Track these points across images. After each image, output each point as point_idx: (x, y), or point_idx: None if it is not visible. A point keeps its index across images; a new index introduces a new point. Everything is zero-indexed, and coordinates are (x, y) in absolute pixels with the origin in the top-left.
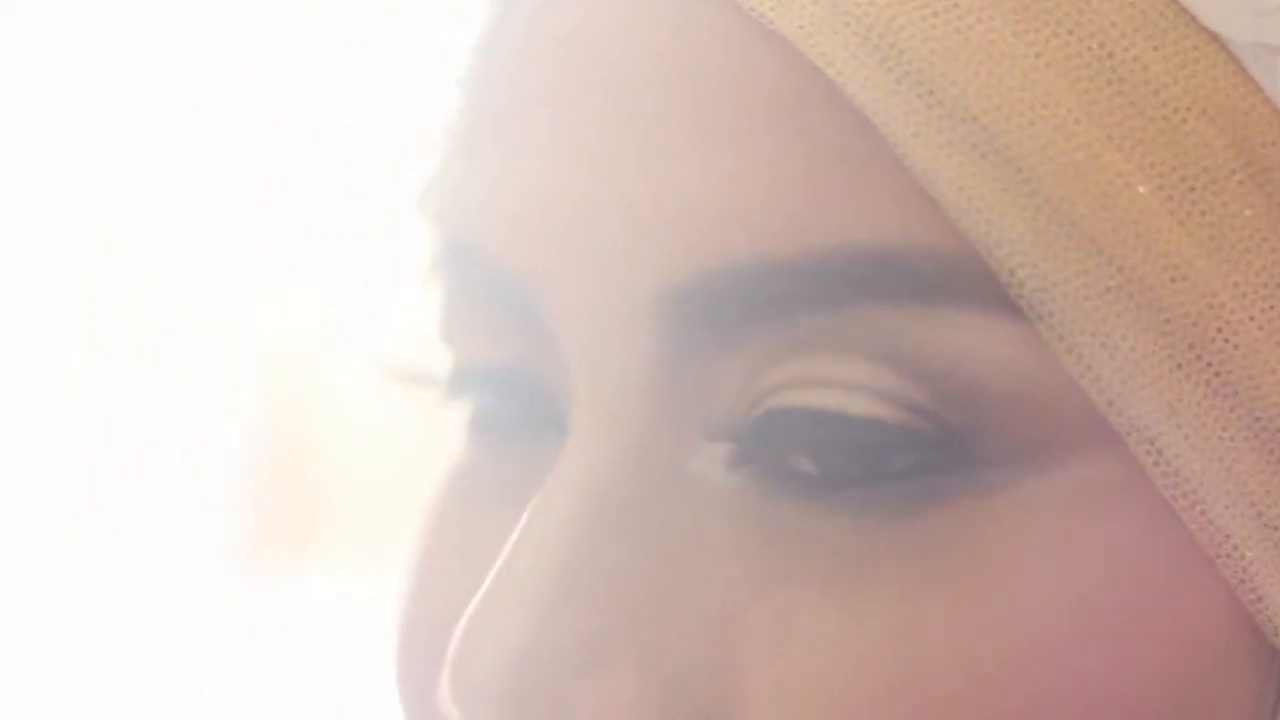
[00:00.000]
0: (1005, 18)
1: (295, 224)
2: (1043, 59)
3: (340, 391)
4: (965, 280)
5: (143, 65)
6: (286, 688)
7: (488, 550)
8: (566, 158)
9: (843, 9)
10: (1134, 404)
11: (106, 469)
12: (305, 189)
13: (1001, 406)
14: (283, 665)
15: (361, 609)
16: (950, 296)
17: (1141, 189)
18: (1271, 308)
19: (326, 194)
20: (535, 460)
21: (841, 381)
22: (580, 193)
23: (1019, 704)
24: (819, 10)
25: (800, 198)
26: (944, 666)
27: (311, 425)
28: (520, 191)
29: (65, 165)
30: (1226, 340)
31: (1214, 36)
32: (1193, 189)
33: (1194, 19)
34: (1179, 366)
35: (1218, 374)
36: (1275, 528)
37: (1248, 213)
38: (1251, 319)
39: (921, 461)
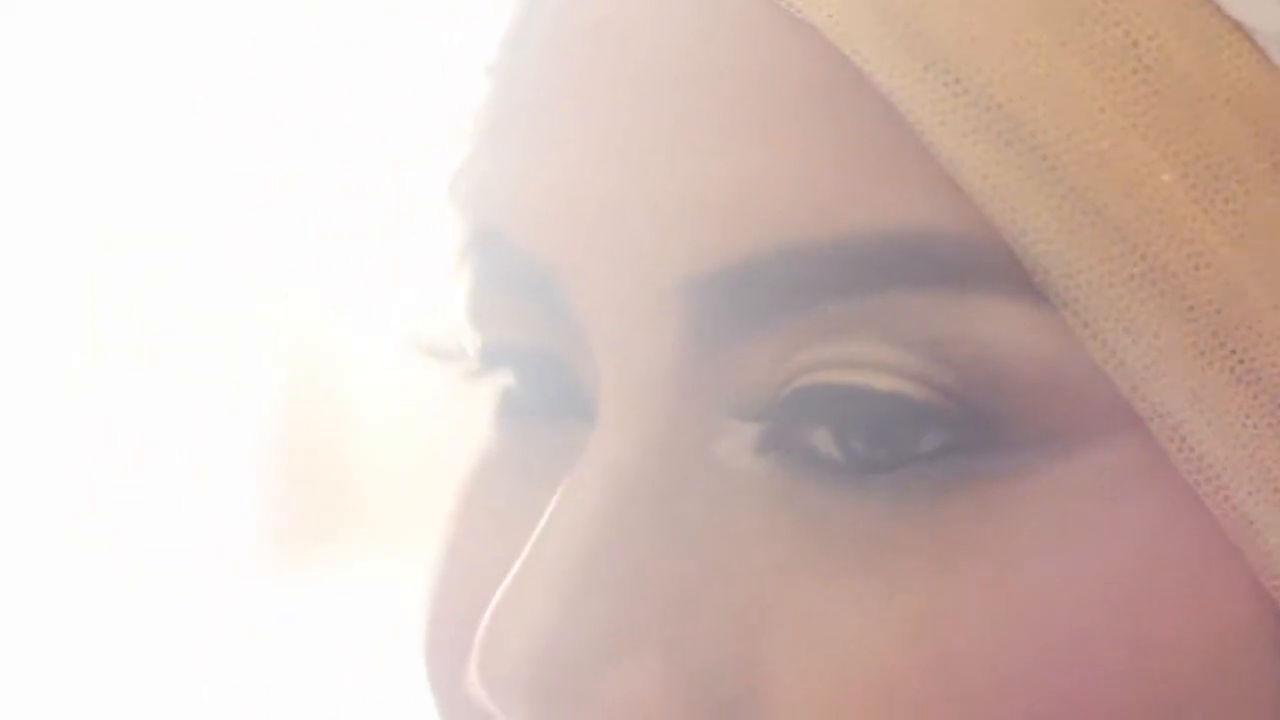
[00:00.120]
0: (1031, 6)
1: (318, 216)
2: (1068, 47)
3: (364, 384)
4: (991, 267)
5: (143, 65)
6: (312, 682)
7: (515, 537)
8: (594, 149)
9: None
10: (1158, 390)
11: (131, 465)
12: (327, 180)
13: (1027, 392)
14: (308, 660)
15: (386, 601)
16: (976, 283)
17: (1166, 177)
18: None
19: (349, 186)
20: (562, 446)
21: (868, 362)
22: (607, 183)
23: (1046, 687)
24: None
25: (827, 185)
26: (971, 651)
27: (335, 418)
28: (547, 183)
29: (75, 164)
30: (1250, 327)
31: (1238, 25)
32: (1217, 177)
33: (1218, 8)
34: (1202, 353)
35: (1241, 360)
36: None
37: (1271, 201)
38: (1275, 306)
39: (947, 444)
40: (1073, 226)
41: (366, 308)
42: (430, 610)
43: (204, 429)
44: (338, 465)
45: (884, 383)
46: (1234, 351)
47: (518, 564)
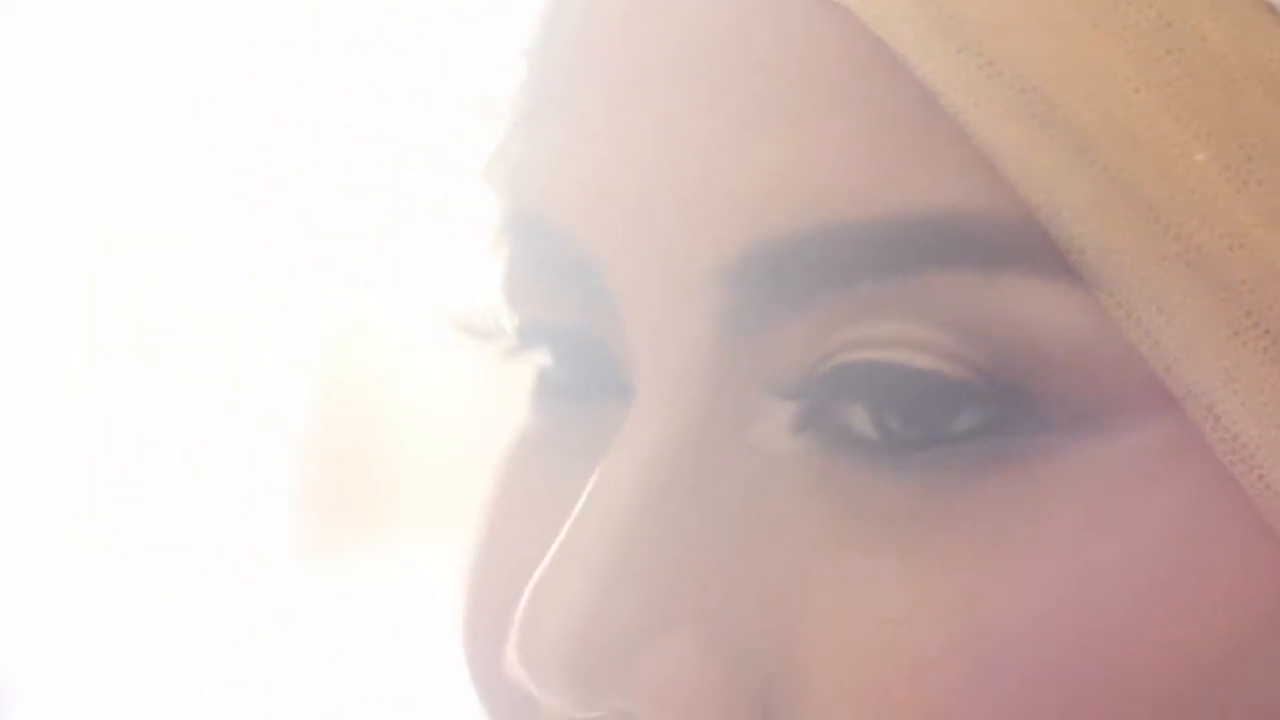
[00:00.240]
0: None
1: (352, 205)
2: (1102, 29)
3: (397, 372)
4: (1026, 247)
5: (144, 64)
6: (346, 671)
7: (554, 517)
8: (629, 132)
9: None
10: (1192, 370)
11: (166, 454)
12: (362, 166)
13: (1061, 372)
14: (341, 648)
15: (420, 589)
16: (1011, 263)
17: (1200, 157)
18: None
19: (382, 174)
20: (600, 426)
21: (904, 341)
22: (643, 167)
23: (1081, 665)
24: None
25: (862, 167)
26: (1007, 629)
27: (369, 406)
28: (584, 167)
29: (108, 154)
30: None
31: (1271, 7)
32: (1250, 158)
33: None
34: (1236, 333)
35: (1275, 340)
36: None
37: None
38: None
39: (983, 423)
40: (1107, 207)
41: (400, 296)
42: (468, 593)
43: (238, 418)
44: (371, 453)
45: (920, 360)
46: (1268, 331)
47: (555, 545)
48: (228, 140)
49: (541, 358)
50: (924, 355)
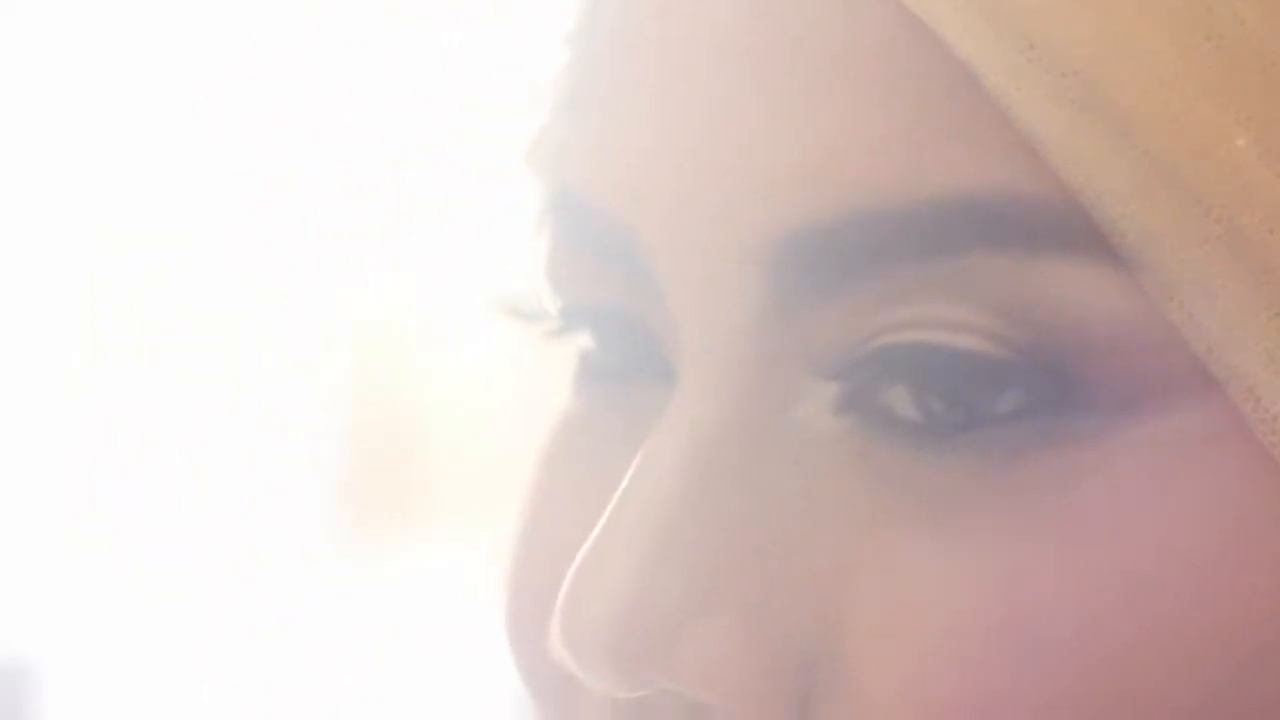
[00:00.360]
0: None
1: (388, 192)
2: (1142, 13)
3: (434, 366)
4: (1068, 230)
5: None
6: (382, 663)
7: (596, 499)
8: (672, 113)
9: None
10: (1234, 352)
11: (201, 446)
12: (399, 159)
13: (1103, 354)
14: (377, 641)
15: (455, 583)
16: (1053, 246)
17: (1240, 141)
18: None
19: (418, 164)
20: (642, 408)
21: (946, 322)
22: (686, 148)
23: (1121, 647)
24: None
25: (904, 149)
26: (1049, 610)
27: (405, 400)
28: (627, 148)
29: (139, 146)
30: None
31: None
32: None
33: None
34: (1277, 315)
35: None
36: None
37: None
38: None
39: (1025, 405)
40: (1148, 190)
41: (437, 288)
42: (510, 576)
43: (275, 410)
44: (407, 447)
45: (962, 342)
46: None
47: (599, 526)
48: (266, 125)
49: (583, 340)
50: (966, 337)
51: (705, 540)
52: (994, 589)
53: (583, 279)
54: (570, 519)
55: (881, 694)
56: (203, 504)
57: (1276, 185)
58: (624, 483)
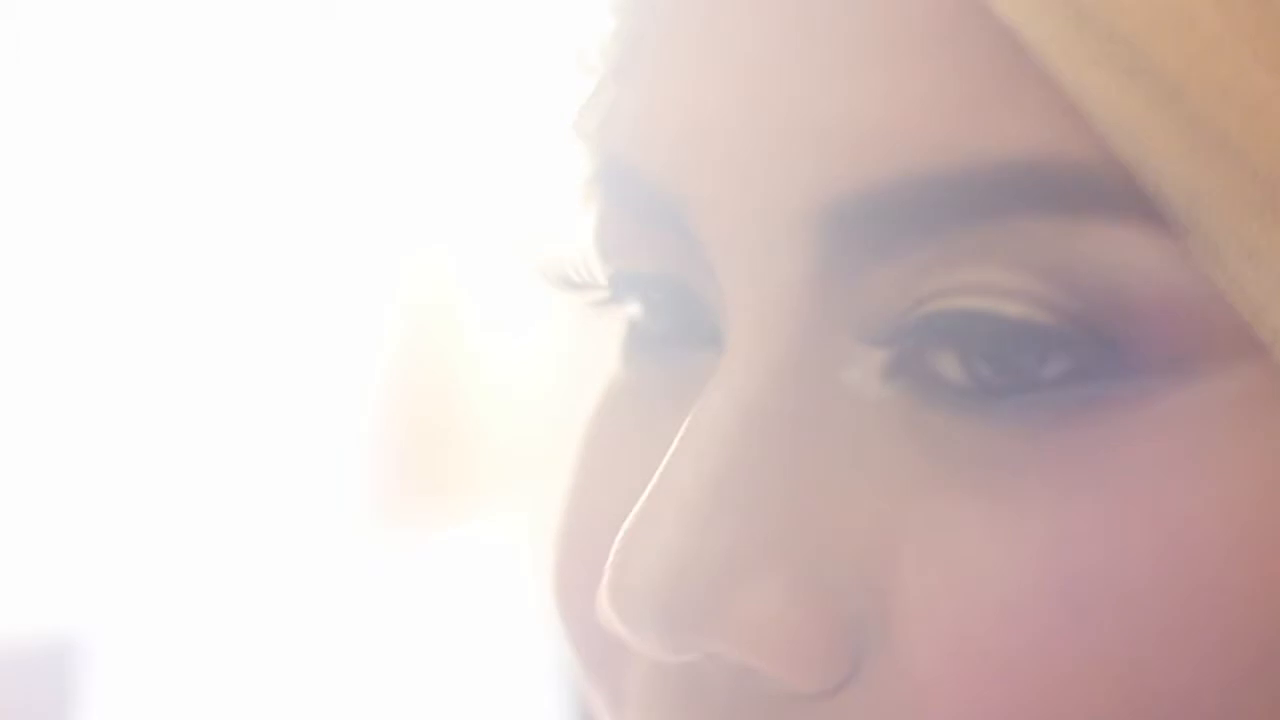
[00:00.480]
0: None
1: (435, 166)
2: None
3: (480, 341)
4: (1115, 194)
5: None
6: (422, 639)
7: (644, 464)
8: (722, 78)
9: None
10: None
11: (249, 424)
12: (440, 138)
13: (1150, 318)
14: (418, 616)
15: (497, 558)
16: (1100, 210)
17: None
18: None
19: (459, 141)
20: (691, 373)
21: (994, 288)
22: (736, 113)
23: (1167, 609)
24: None
25: (953, 113)
26: (1095, 572)
27: (450, 376)
28: (676, 114)
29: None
30: None
31: None
32: None
33: None
34: None
35: None
36: None
37: None
38: None
39: (1071, 369)
40: (1196, 153)
41: (479, 267)
42: (559, 541)
43: (317, 390)
44: (448, 426)
45: (1010, 308)
46: None
47: (647, 490)
48: (313, 100)
49: (632, 308)
50: (1013, 302)
51: (753, 503)
52: (1041, 551)
53: (631, 246)
54: (618, 485)
55: (930, 656)
56: (246, 481)
57: None
58: (671, 447)
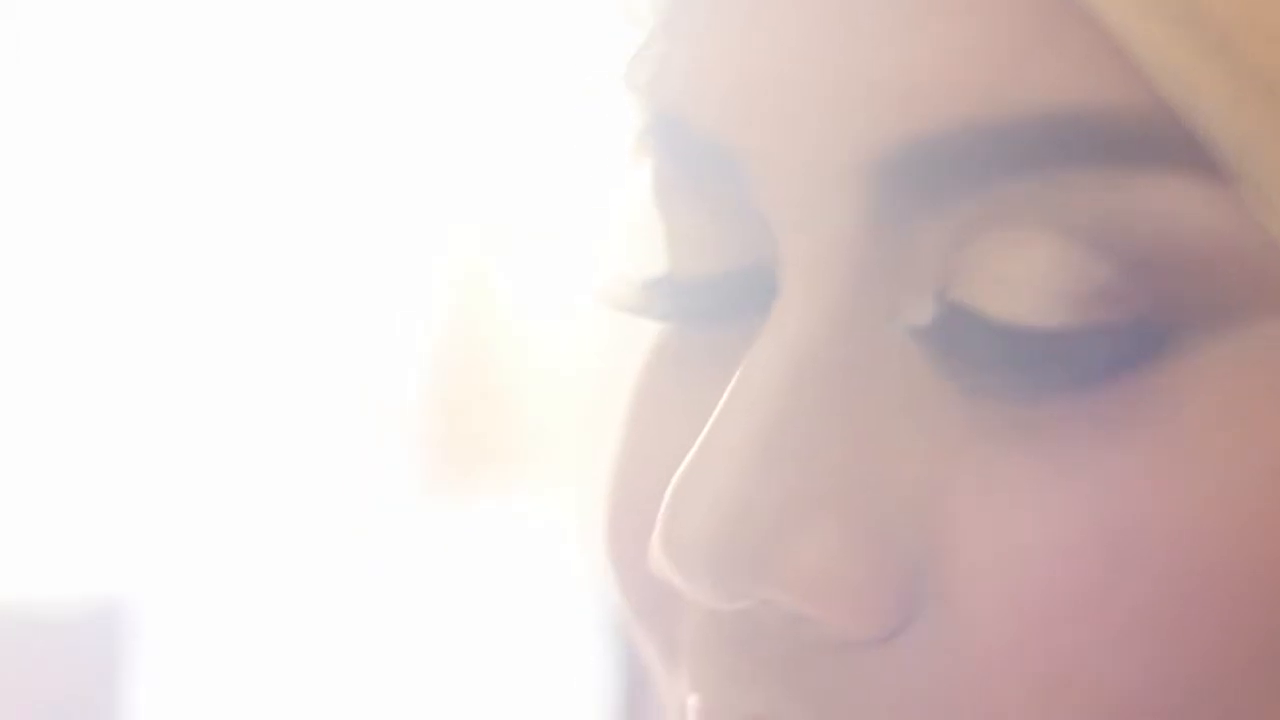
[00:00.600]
0: None
1: (477, 144)
2: None
3: (522, 314)
4: (1164, 143)
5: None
6: (470, 609)
7: (696, 416)
8: (773, 30)
9: None
10: None
11: (300, 393)
12: (485, 110)
13: (1199, 268)
14: (465, 586)
15: (543, 528)
16: (1149, 159)
17: None
18: None
19: (505, 112)
20: (742, 327)
21: (1043, 238)
22: (786, 64)
23: (1216, 556)
24: None
25: (1001, 63)
26: (1145, 522)
27: (499, 346)
28: (728, 66)
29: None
30: None
31: None
32: None
33: None
34: None
35: None
36: None
37: None
38: None
39: (1120, 320)
40: (1245, 100)
41: (528, 238)
42: (612, 490)
43: (367, 356)
44: (496, 396)
45: (1058, 259)
46: None
47: (700, 438)
48: (357, 74)
49: (686, 262)
50: (1062, 253)
51: (806, 452)
52: (1090, 502)
53: (685, 197)
54: (670, 436)
55: (981, 604)
56: (297, 449)
57: None
58: (724, 396)
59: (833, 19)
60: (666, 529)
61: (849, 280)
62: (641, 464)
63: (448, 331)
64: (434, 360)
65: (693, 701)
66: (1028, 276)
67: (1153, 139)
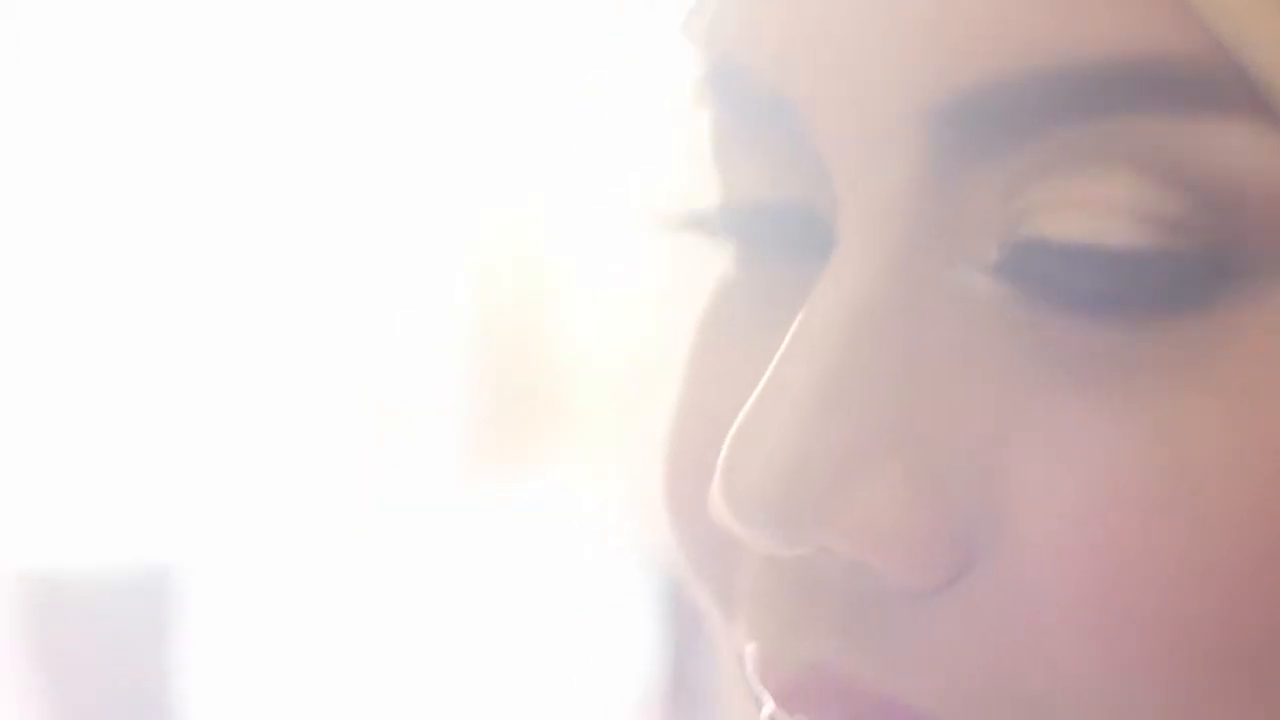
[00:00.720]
0: None
1: (523, 121)
2: None
3: (564, 291)
4: (1223, 89)
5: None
6: (511, 585)
7: (755, 363)
8: None
9: None
10: None
11: (344, 367)
12: (528, 90)
13: (1260, 215)
14: (508, 563)
15: (585, 504)
16: (1209, 105)
17: None
18: None
19: (549, 91)
20: (801, 276)
21: (1100, 201)
22: (843, 11)
23: (1277, 505)
24: None
25: (1059, 10)
26: (1208, 468)
27: (543, 321)
28: (785, 12)
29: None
30: None
31: None
32: None
33: None
34: None
35: None
36: None
37: None
38: None
39: (1181, 267)
40: None
41: (573, 213)
42: (670, 441)
43: (411, 334)
44: (540, 371)
45: (1114, 235)
46: None
47: (760, 386)
48: (398, 44)
49: (745, 211)
50: (1118, 223)
51: (866, 398)
52: (1153, 449)
53: (744, 148)
54: (729, 384)
55: (1041, 551)
56: (345, 424)
57: None
58: (783, 345)
59: None
60: (726, 477)
61: (907, 228)
62: (700, 413)
63: (492, 310)
64: (479, 339)
65: (751, 650)
66: (1104, 200)
67: (1212, 86)
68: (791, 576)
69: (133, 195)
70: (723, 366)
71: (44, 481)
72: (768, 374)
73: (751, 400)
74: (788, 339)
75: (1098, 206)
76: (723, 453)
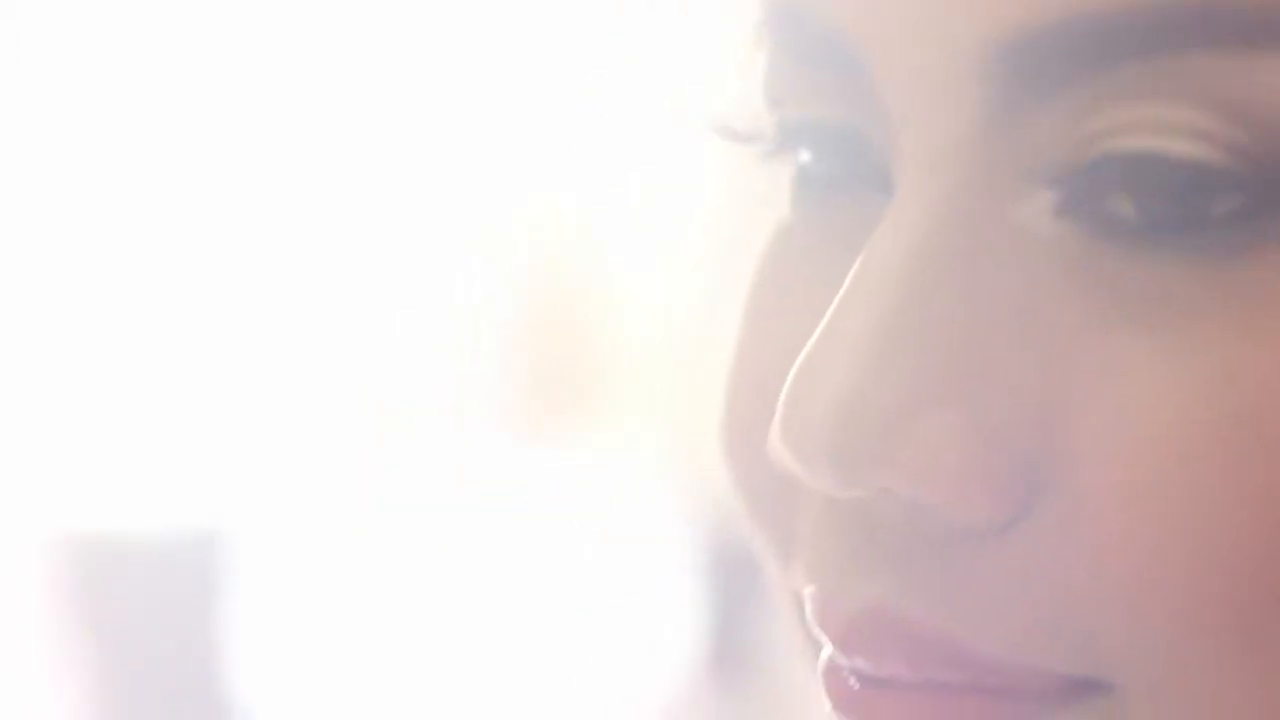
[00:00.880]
0: None
1: (570, 83)
2: None
3: (610, 256)
4: None
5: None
6: (554, 551)
7: (815, 304)
8: None
9: None
10: None
11: (390, 336)
12: (581, 59)
13: None
14: (551, 528)
15: (630, 471)
16: (1272, 43)
17: None
18: None
19: (599, 63)
20: (861, 216)
21: (1165, 124)
22: None
23: None
24: None
25: None
26: (1268, 408)
27: (590, 287)
28: None
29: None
30: None
31: None
32: None
33: None
34: None
35: None
36: None
37: None
38: None
39: (1244, 206)
40: None
41: (620, 180)
42: (730, 382)
43: (455, 301)
44: (584, 336)
45: (1181, 146)
46: None
47: (819, 329)
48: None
49: (801, 155)
50: (1184, 138)
51: (926, 339)
52: (1213, 388)
53: (802, 89)
54: (789, 325)
55: (1101, 492)
56: (389, 390)
57: None
58: (842, 288)
59: None
60: (786, 418)
61: (968, 170)
62: (759, 357)
63: (539, 273)
64: (526, 302)
65: (810, 591)
66: (1148, 161)
67: (1277, 22)
68: (850, 519)
69: (180, 177)
70: (781, 310)
71: (91, 446)
72: (828, 316)
73: (811, 342)
74: (847, 282)
75: (1162, 126)
76: (782, 394)
